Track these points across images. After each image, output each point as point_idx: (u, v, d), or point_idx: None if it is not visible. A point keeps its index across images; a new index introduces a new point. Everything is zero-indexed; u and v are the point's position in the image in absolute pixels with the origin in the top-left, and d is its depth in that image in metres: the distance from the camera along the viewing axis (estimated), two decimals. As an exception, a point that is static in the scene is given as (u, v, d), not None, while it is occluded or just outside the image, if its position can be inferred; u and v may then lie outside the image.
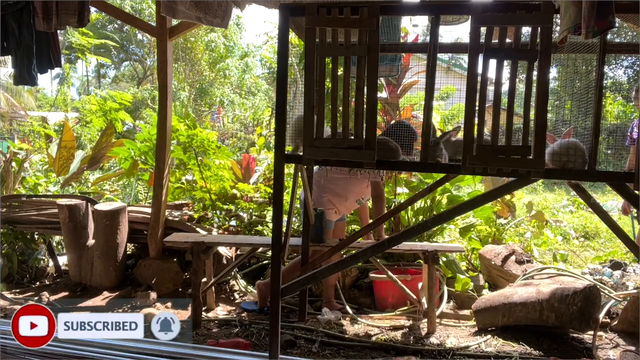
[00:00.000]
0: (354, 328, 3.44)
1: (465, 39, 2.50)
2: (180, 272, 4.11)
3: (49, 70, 3.73)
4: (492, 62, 2.28)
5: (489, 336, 3.25)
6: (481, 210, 4.60)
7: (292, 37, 4.36)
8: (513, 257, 4.04)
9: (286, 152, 2.56)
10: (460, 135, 2.48)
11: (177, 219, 4.31)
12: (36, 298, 3.80)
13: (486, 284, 4.10)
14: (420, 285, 3.68)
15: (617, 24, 2.33)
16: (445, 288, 3.87)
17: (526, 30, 2.33)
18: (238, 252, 4.31)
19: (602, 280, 3.89)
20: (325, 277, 3.41)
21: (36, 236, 4.59)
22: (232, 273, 4.07)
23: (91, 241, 4.18)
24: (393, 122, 2.53)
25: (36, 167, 6.64)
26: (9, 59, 3.76)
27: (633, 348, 3.10)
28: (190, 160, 4.82)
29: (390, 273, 3.60)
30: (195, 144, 4.71)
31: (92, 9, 4.15)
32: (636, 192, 2.31)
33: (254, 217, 4.78)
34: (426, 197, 4.43)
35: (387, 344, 3.14)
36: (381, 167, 2.57)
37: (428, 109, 2.38)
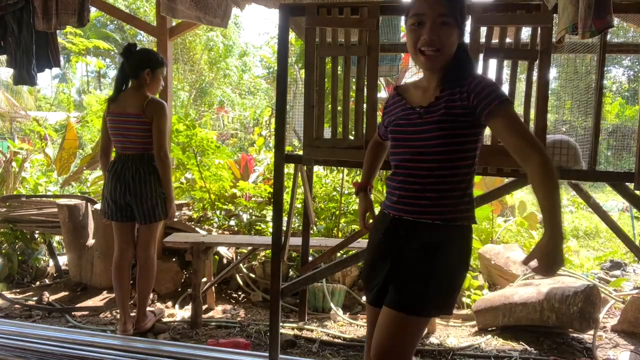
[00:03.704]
0: (354, 328, 3.44)
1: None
2: (180, 272, 4.11)
3: (48, 69, 3.73)
4: (492, 62, 2.29)
5: (489, 336, 3.26)
6: (480, 210, 4.60)
7: (291, 37, 4.35)
8: (513, 256, 4.04)
9: (286, 152, 2.56)
10: None
11: (176, 219, 4.31)
12: (36, 298, 3.80)
13: (486, 284, 4.10)
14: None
15: (615, 23, 2.33)
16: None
17: (526, 30, 2.33)
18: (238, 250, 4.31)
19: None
20: (325, 277, 3.41)
21: (36, 236, 4.59)
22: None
23: (91, 241, 4.18)
24: None
25: (37, 167, 6.64)
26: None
27: (632, 347, 3.10)
28: (189, 160, 4.82)
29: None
30: (194, 143, 4.71)
31: (92, 9, 4.15)
32: (636, 192, 2.31)
33: (253, 217, 4.78)
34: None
35: (387, 344, 3.13)
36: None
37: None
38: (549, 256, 1.31)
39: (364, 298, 3.66)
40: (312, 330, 3.33)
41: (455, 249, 1.53)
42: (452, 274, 1.54)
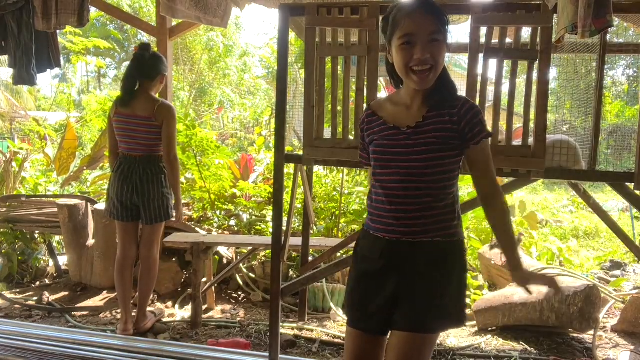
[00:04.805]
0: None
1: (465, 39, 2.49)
2: (180, 272, 4.11)
3: (49, 70, 3.72)
4: (492, 62, 2.29)
5: (489, 336, 3.26)
6: (480, 210, 4.59)
7: (291, 37, 4.35)
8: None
9: (286, 152, 2.56)
10: None
11: (178, 219, 4.30)
12: (36, 298, 3.80)
13: (486, 284, 4.10)
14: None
15: (615, 23, 2.33)
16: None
17: (526, 30, 2.33)
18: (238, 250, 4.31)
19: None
20: (325, 277, 3.41)
21: (36, 236, 4.59)
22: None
23: (91, 241, 4.18)
24: None
25: (37, 167, 6.64)
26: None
27: (632, 347, 3.10)
28: (189, 160, 4.81)
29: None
30: (194, 143, 4.70)
31: (92, 9, 4.14)
32: (636, 192, 2.31)
33: (253, 217, 4.78)
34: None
35: (387, 344, 3.13)
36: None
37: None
38: (520, 281, 1.56)
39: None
40: (312, 330, 3.33)
41: (458, 262, 1.55)
42: (460, 285, 1.55)
